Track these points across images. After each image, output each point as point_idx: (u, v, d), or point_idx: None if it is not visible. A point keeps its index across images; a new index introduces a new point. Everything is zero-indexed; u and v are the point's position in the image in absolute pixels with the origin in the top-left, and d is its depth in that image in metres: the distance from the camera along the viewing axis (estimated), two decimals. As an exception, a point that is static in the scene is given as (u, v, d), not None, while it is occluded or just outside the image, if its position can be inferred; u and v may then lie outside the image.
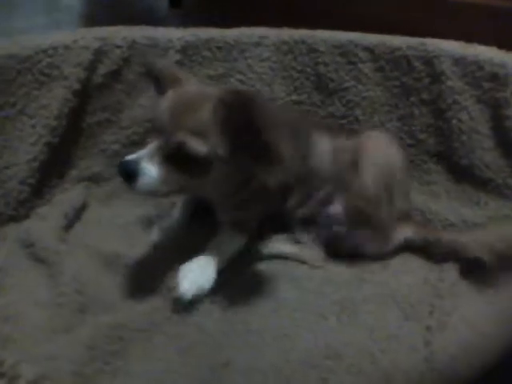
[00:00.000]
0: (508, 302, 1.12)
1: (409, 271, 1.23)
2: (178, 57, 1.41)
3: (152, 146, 0.97)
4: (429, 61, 1.35)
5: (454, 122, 1.33)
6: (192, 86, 1.07)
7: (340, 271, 1.21)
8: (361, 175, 1.16)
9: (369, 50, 1.41)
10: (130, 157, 0.96)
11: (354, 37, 1.44)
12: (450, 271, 1.19)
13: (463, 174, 1.34)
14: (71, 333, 0.96)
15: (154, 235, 1.28)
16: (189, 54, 1.43)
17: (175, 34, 1.42)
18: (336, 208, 1.18)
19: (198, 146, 0.96)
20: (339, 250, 1.22)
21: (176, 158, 0.96)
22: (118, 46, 1.38)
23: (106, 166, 1.40)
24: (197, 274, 1.06)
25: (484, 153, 1.30)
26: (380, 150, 1.19)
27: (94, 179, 1.39)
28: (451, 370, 0.97)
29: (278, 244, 1.23)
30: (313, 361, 0.97)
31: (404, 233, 1.24)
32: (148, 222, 1.32)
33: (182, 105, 1.00)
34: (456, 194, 1.36)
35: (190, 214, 1.31)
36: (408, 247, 1.26)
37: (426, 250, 1.26)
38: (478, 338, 1.05)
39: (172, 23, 1.47)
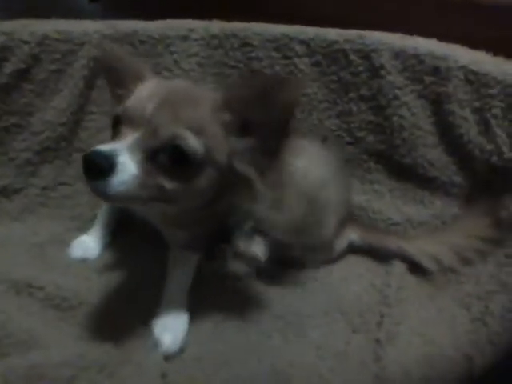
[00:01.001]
0: (455, 307, 1.08)
1: (354, 276, 1.17)
2: (95, 52, 1.27)
3: (131, 138, 0.78)
4: (367, 55, 1.27)
5: (395, 118, 1.26)
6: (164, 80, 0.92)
7: (281, 281, 1.12)
8: (283, 209, 1.01)
9: (305, 43, 1.32)
10: (103, 146, 0.76)
11: (289, 30, 1.34)
12: (396, 274, 1.14)
13: (406, 172, 1.28)
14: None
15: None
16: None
17: (92, 27, 1.28)
18: None
19: (196, 144, 0.79)
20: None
21: (161, 157, 0.78)
22: (26, 42, 1.22)
23: (16, 176, 1.23)
24: (174, 325, 0.96)
25: (427, 150, 1.24)
26: (300, 172, 1.02)
27: (4, 192, 1.23)
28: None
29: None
30: (258, 388, 0.88)
31: (347, 237, 1.18)
32: (67, 239, 1.18)
33: (177, 97, 0.84)
34: (400, 193, 1.30)
35: (113, 229, 1.19)
36: (352, 250, 1.21)
37: (371, 253, 1.20)
38: (429, 348, 0.99)
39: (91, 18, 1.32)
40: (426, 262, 1.13)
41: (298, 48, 1.33)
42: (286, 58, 1.33)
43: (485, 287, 1.07)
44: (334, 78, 1.32)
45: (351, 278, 1.15)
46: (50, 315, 0.98)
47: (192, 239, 1.03)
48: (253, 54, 1.33)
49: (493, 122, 1.15)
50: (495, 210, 1.14)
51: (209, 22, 1.37)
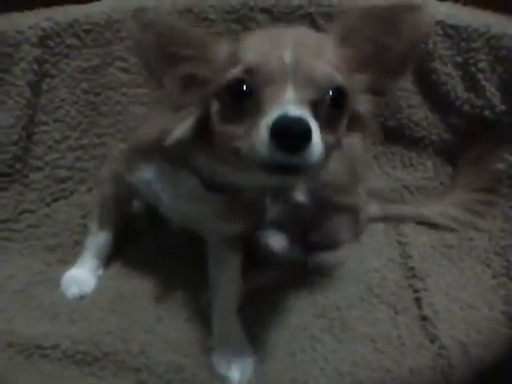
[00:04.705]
0: (476, 264, 1.10)
1: (369, 252, 1.14)
2: (36, 52, 1.06)
3: (289, 95, 0.62)
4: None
5: (374, 81, 1.22)
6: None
7: (306, 278, 1.06)
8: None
9: (267, 11, 1.21)
10: (288, 110, 0.59)
11: (247, -3, 1.22)
12: (412, 244, 1.14)
13: (390, 135, 1.24)
14: None
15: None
16: (49, 45, 1.09)
17: (26, 23, 1.06)
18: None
19: (346, 86, 0.66)
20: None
21: (319, 109, 0.64)
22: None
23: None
24: (238, 356, 0.87)
25: (412, 110, 1.21)
26: None
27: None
28: (467, 360, 0.91)
29: None
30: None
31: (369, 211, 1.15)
32: (53, 277, 1.01)
33: (305, 39, 0.68)
34: (385, 158, 1.27)
35: (107, 256, 1.04)
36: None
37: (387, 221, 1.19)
38: (468, 313, 1.00)
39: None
40: (443, 222, 1.16)
41: (260, 17, 1.23)
42: (248, 29, 1.21)
43: (499, 242, 1.10)
44: (303, 45, 1.24)
45: (367, 255, 1.13)
46: (76, 373, 0.84)
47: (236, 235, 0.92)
48: (211, 30, 1.20)
49: (480, 76, 1.14)
50: (490, 162, 1.16)
51: (159, -3, 1.21)
